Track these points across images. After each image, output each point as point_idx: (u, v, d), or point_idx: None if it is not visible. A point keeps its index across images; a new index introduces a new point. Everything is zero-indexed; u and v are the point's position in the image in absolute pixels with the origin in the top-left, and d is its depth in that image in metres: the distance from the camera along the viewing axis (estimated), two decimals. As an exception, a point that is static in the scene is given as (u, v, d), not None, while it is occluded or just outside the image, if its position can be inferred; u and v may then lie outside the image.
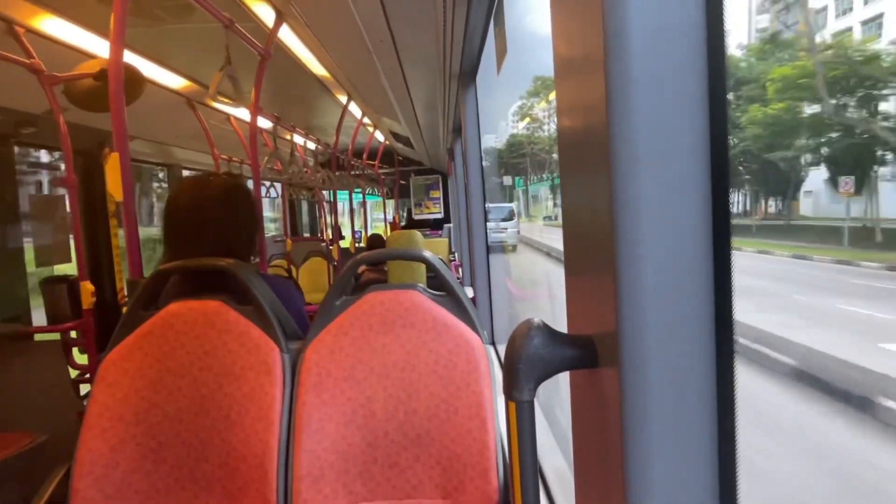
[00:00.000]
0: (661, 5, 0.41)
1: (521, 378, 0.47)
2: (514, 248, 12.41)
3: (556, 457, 1.50)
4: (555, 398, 2.41)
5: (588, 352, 0.48)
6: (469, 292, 3.02)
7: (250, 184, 2.44)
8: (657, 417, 0.42)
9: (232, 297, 1.15)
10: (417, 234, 3.35)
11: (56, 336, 2.44)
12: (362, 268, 3.45)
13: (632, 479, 0.42)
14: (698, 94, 0.42)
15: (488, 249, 2.82)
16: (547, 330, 0.48)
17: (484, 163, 2.72)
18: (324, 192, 6.24)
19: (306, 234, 8.23)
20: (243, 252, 1.29)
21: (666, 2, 0.41)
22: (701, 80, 0.42)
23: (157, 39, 2.37)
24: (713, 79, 0.42)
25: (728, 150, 0.43)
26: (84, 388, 2.56)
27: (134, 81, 1.95)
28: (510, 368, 0.48)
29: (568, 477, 1.38)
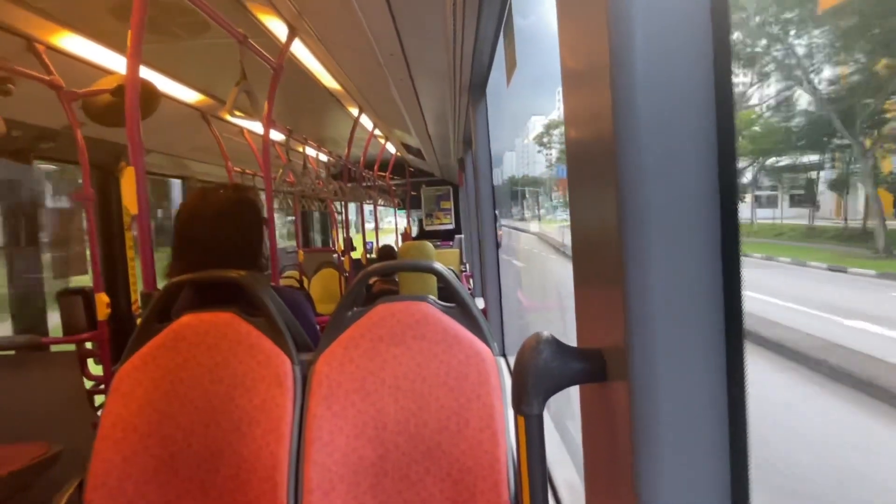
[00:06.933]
0: (667, 14, 0.41)
1: (529, 392, 0.47)
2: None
3: (568, 470, 1.48)
4: (566, 410, 2.39)
5: (597, 365, 0.47)
6: (480, 303, 3.01)
7: (263, 196, 2.46)
8: (667, 432, 0.41)
9: (243, 308, 1.16)
10: (429, 245, 3.34)
11: (71, 347, 2.46)
12: (374, 279, 3.45)
13: (643, 494, 0.42)
14: (705, 103, 0.42)
15: (499, 260, 2.81)
16: (556, 343, 0.48)
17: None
18: (335, 203, 6.29)
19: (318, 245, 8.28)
20: (245, 266, 1.25)
21: (671, 11, 0.41)
22: (708, 89, 0.42)
23: (172, 55, 2.41)
24: (720, 87, 0.42)
25: (736, 160, 0.43)
26: (98, 399, 2.59)
27: (150, 96, 1.98)
28: (519, 382, 0.47)
29: (580, 490, 1.36)
